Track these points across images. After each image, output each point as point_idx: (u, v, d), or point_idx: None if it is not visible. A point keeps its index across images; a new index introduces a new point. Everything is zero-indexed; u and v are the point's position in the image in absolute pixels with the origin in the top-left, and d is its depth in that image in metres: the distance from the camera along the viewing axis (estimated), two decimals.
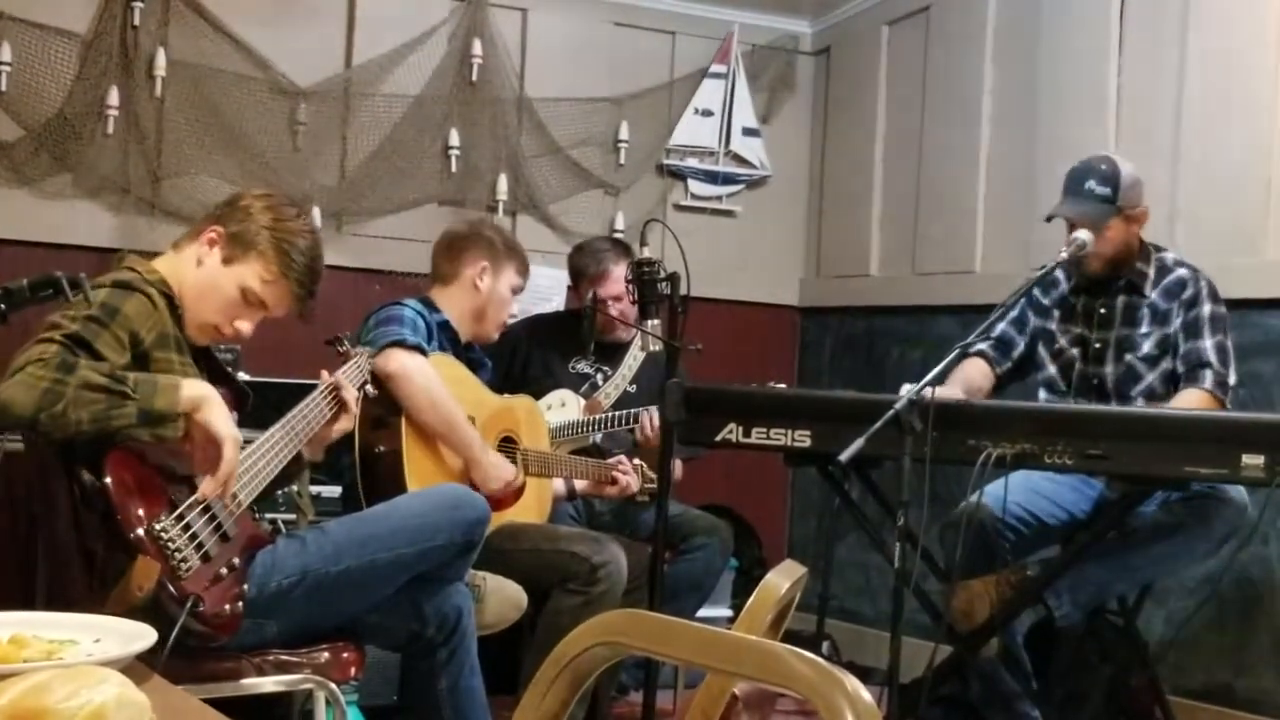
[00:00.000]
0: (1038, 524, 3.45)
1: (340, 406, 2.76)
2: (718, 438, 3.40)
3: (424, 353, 3.36)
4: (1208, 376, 3.31)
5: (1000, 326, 3.58)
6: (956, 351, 3.10)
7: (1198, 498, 3.25)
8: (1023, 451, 3.04)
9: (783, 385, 3.94)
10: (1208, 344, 3.33)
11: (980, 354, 3.60)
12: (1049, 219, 3.45)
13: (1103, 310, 3.48)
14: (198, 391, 2.34)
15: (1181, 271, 3.42)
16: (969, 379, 3.52)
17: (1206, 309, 3.36)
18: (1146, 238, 3.51)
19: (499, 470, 3.46)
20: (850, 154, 5.45)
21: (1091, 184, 3.36)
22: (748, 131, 5.44)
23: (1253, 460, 2.83)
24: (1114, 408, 3.34)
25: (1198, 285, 3.38)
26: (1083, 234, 3.36)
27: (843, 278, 5.47)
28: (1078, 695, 3.57)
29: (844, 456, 2.84)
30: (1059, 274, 3.56)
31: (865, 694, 1.03)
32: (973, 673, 3.43)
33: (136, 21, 4.44)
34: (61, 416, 2.18)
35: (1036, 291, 3.56)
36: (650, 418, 3.78)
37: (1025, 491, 3.41)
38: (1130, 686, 3.61)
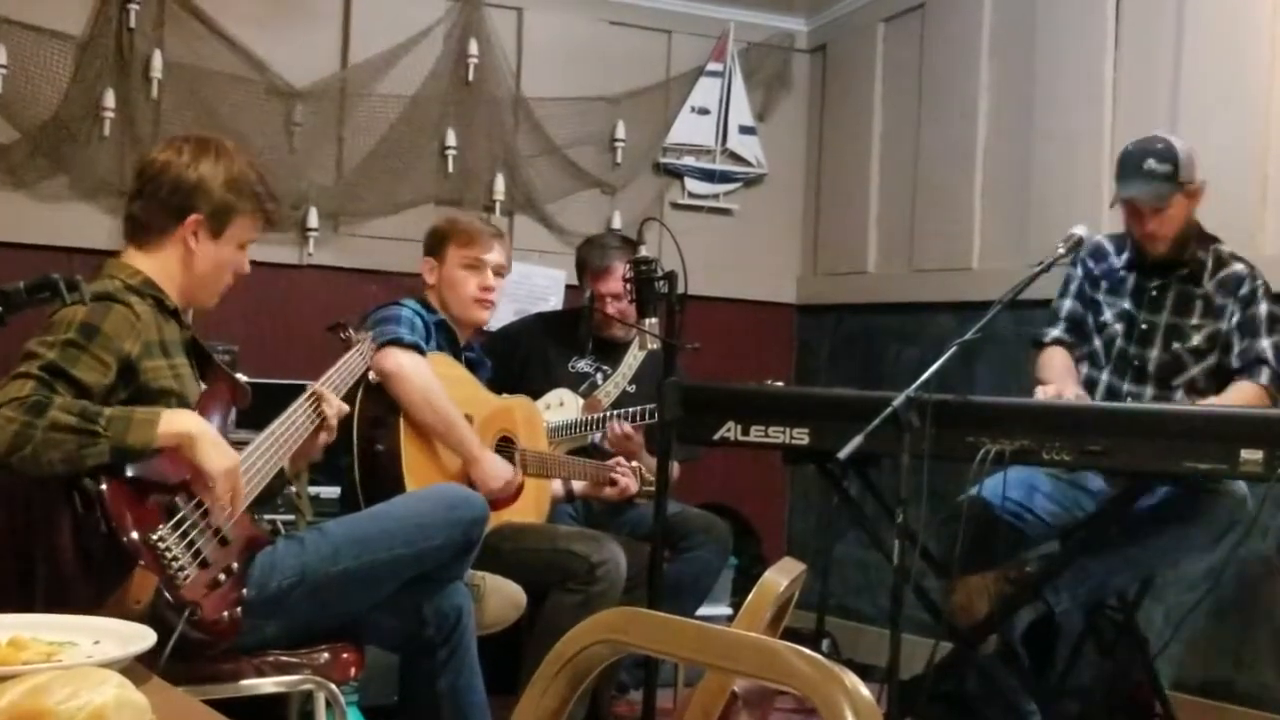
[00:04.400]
0: (1037, 519, 3.45)
1: (321, 419, 2.72)
2: (716, 436, 3.40)
3: (421, 351, 3.36)
4: (1264, 373, 3.32)
5: (1068, 305, 3.58)
6: (955, 347, 3.10)
7: (1196, 490, 3.25)
8: (1021, 448, 3.03)
9: (780, 383, 3.93)
10: (1266, 343, 3.34)
11: (1057, 341, 3.57)
12: (1113, 204, 3.43)
13: (1154, 293, 3.46)
14: (181, 427, 2.30)
15: (1238, 266, 3.42)
16: (1073, 372, 3.50)
17: (1263, 308, 3.37)
18: None
19: (498, 469, 3.46)
20: (847, 151, 5.45)
21: (1151, 163, 3.33)
22: (744, 129, 5.44)
23: (1252, 455, 2.83)
24: (1112, 404, 3.34)
25: (1254, 283, 3.39)
26: (1080, 229, 3.36)
27: (840, 275, 5.47)
28: (1077, 691, 3.57)
29: (843, 454, 2.84)
30: (1107, 245, 3.55)
31: (865, 691, 1.03)
32: (972, 669, 3.43)
33: (132, 23, 4.43)
34: (32, 459, 2.17)
35: (1090, 261, 3.55)
36: (620, 424, 3.82)
37: (1024, 487, 3.41)
38: (1130, 682, 3.62)
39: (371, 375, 2.99)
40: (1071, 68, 4.43)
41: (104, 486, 2.22)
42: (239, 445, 2.50)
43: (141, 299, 2.45)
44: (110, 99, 4.40)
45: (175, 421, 2.30)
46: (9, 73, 4.31)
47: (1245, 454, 2.83)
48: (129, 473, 2.27)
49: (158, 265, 2.54)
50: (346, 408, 2.82)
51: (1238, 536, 3.25)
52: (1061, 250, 3.33)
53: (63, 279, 1.98)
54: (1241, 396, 3.30)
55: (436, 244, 3.65)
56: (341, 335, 3.02)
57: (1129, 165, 3.38)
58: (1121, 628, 3.52)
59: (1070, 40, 4.44)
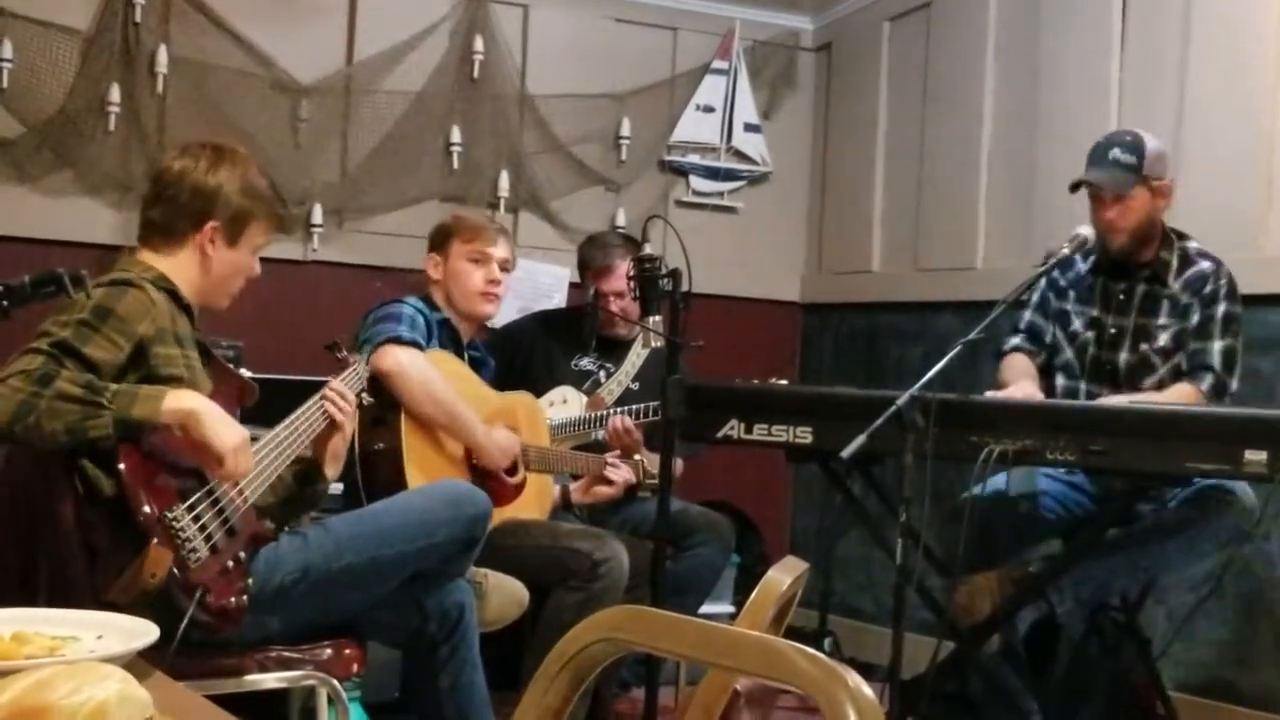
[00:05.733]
0: (1040, 519, 3.45)
1: (331, 419, 2.75)
2: (719, 434, 3.40)
3: (420, 348, 3.36)
4: (1207, 379, 3.30)
5: (1027, 316, 3.60)
6: (959, 346, 3.09)
7: (1204, 497, 3.23)
8: (1024, 448, 3.03)
9: (784, 382, 3.94)
10: (1215, 346, 3.32)
11: (1016, 349, 3.59)
12: (1074, 188, 3.41)
13: (1121, 296, 3.46)
14: (185, 405, 2.31)
15: (1204, 265, 3.39)
16: (1031, 373, 3.51)
17: (1221, 309, 3.34)
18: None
19: (503, 447, 3.48)
20: (852, 150, 5.44)
21: (1116, 152, 3.34)
22: (749, 128, 5.43)
23: (1255, 456, 2.82)
24: (1114, 405, 3.33)
25: (1218, 282, 3.36)
26: (1084, 230, 3.36)
27: (844, 274, 5.47)
28: (1080, 691, 3.57)
29: (846, 453, 2.83)
30: (1075, 256, 3.51)
31: (867, 690, 1.03)
32: (974, 669, 3.43)
33: (138, 18, 4.43)
34: (36, 428, 2.19)
35: (1055, 273, 3.53)
36: (620, 418, 3.81)
37: (1027, 486, 3.41)
38: (1132, 682, 3.61)
39: (366, 397, 3.00)
40: (1077, 68, 4.42)
41: (121, 466, 2.24)
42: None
43: (157, 290, 2.48)
44: (115, 94, 4.40)
45: (181, 398, 2.32)
46: (14, 67, 4.31)
47: (1249, 455, 2.83)
48: (143, 447, 2.28)
49: (173, 267, 2.57)
50: (354, 402, 2.83)
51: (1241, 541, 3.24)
52: (1066, 250, 3.33)
53: (67, 273, 1.99)
54: (1175, 399, 3.28)
55: (441, 240, 3.66)
56: (338, 355, 3.03)
57: (1095, 153, 3.39)
58: (1124, 628, 3.52)
59: (1076, 40, 4.44)
